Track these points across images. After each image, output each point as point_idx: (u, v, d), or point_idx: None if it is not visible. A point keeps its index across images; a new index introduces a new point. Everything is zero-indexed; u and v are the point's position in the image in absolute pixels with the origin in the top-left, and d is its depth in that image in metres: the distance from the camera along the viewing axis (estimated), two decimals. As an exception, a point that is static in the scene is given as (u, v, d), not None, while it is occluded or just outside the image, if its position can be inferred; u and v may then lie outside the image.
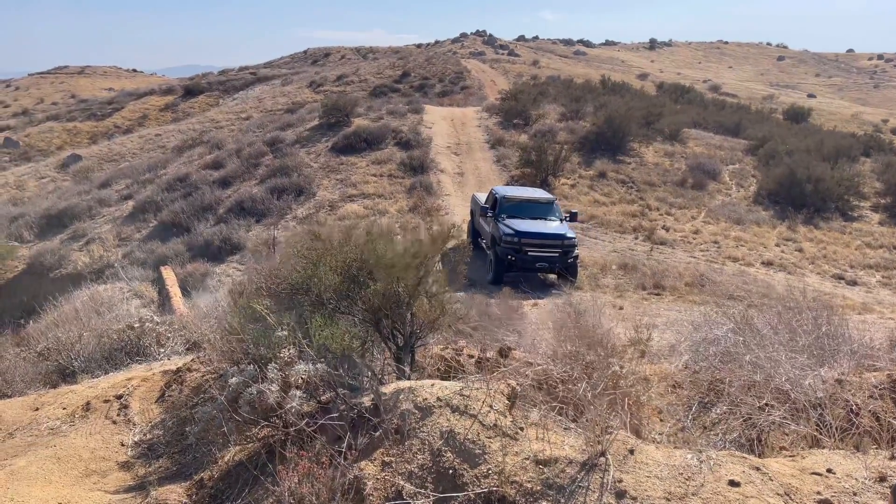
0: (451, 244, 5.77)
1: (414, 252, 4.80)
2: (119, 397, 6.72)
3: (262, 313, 4.77)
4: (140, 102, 55.44)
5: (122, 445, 5.88)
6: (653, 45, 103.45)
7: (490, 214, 17.48)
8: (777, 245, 21.14)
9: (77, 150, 42.63)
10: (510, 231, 16.47)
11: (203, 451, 5.16)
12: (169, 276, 18.12)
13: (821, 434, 4.70)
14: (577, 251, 16.86)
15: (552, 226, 17.15)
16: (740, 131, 33.72)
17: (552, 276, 17.02)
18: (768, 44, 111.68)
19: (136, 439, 5.94)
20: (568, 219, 17.83)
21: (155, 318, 9.88)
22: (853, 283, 18.46)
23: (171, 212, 24.06)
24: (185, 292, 16.65)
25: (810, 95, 69.55)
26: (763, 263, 19.51)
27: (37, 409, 6.80)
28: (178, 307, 14.60)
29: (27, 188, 34.76)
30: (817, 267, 19.53)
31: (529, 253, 16.39)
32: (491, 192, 18.61)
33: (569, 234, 16.71)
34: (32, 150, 45.54)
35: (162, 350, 8.89)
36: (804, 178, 24.29)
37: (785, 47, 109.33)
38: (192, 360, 7.07)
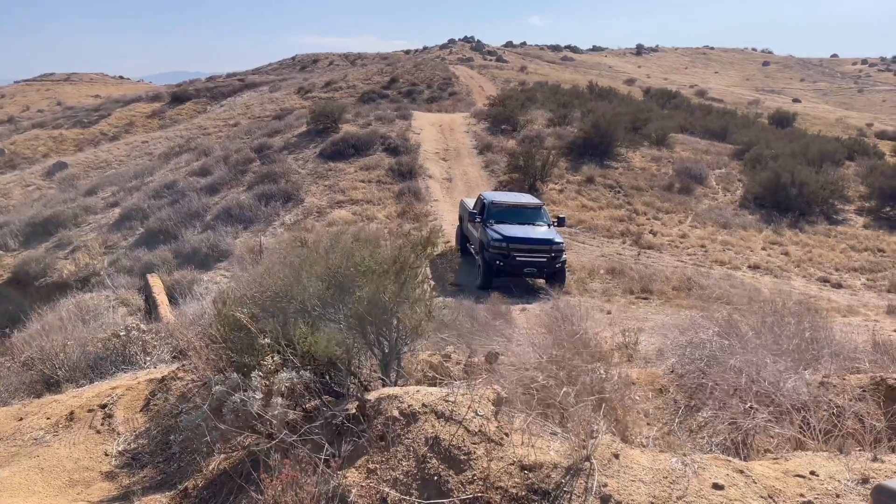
0: (438, 250, 5.77)
1: (394, 258, 4.79)
2: (103, 406, 6.66)
3: (244, 321, 4.75)
4: (127, 109, 55.20)
5: (106, 455, 5.83)
6: (640, 50, 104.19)
7: (478, 220, 17.49)
8: (763, 249, 21.29)
9: (63, 157, 42.34)
10: (498, 236, 16.47)
11: (188, 459, 5.13)
12: (156, 283, 17.98)
13: (805, 436, 4.73)
14: (564, 256, 16.91)
15: (540, 231, 17.22)
16: (726, 136, 33.96)
17: (540, 281, 17.06)
18: (754, 49, 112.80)
19: (120, 449, 5.89)
20: (556, 224, 17.90)
21: (141, 326, 9.79)
22: (838, 285, 18.60)
23: (157, 219, 23.92)
24: (173, 300, 16.53)
25: (795, 100, 70.15)
26: (750, 267, 19.63)
27: (20, 420, 6.74)
28: (164, 315, 14.49)
29: (12, 196, 34.47)
30: (803, 270, 19.68)
31: (517, 258, 16.41)
32: (479, 198, 18.65)
33: (557, 240, 16.77)
34: (18, 157, 45.21)
35: (148, 358, 8.82)
36: (789, 182, 24.48)
37: (770, 53, 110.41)
38: (178, 368, 7.02)
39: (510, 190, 22.96)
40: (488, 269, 16.51)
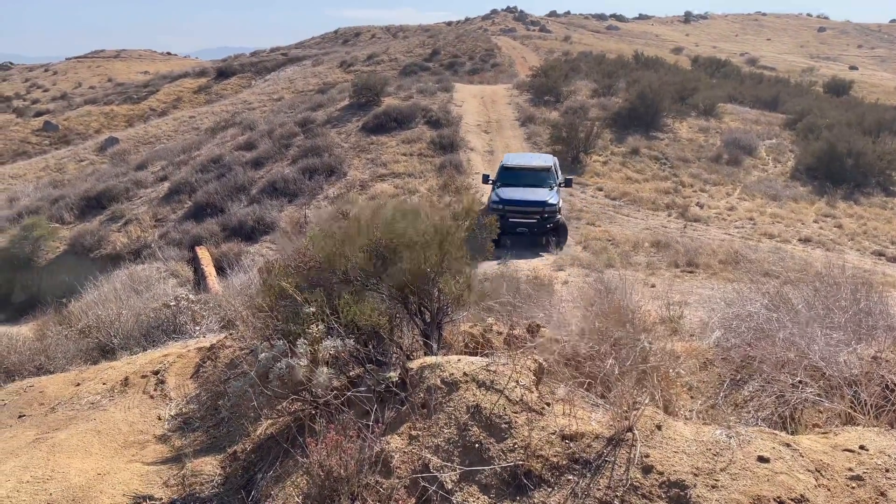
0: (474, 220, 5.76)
1: (435, 229, 4.79)
2: (156, 373, 6.89)
3: (290, 291, 4.83)
4: (174, 85, 56.18)
5: (159, 419, 6.04)
6: (688, 18, 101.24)
7: (491, 181, 18.75)
8: (815, 221, 20.67)
9: (114, 132, 43.43)
10: (496, 199, 17.78)
11: (236, 424, 5.29)
12: (204, 255, 18.39)
13: (855, 411, 4.62)
14: (559, 217, 17.87)
15: (539, 193, 18.00)
16: (778, 105, 32.92)
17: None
18: (808, 15, 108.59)
19: (172, 413, 6.09)
20: (563, 185, 18.86)
21: (190, 296, 10.07)
22: (894, 259, 17.99)
23: (205, 192, 24.39)
24: (220, 272, 16.90)
25: (852, 67, 67.38)
26: (800, 240, 19.10)
27: (78, 385, 7.02)
28: (213, 286, 14.83)
29: (67, 171, 35.54)
30: (857, 243, 19.06)
31: (510, 219, 17.30)
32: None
33: (550, 201, 17.65)
34: (71, 133, 46.54)
35: (197, 328, 9.07)
36: (844, 153, 23.65)
37: (826, 18, 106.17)
38: (226, 336, 7.20)
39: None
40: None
